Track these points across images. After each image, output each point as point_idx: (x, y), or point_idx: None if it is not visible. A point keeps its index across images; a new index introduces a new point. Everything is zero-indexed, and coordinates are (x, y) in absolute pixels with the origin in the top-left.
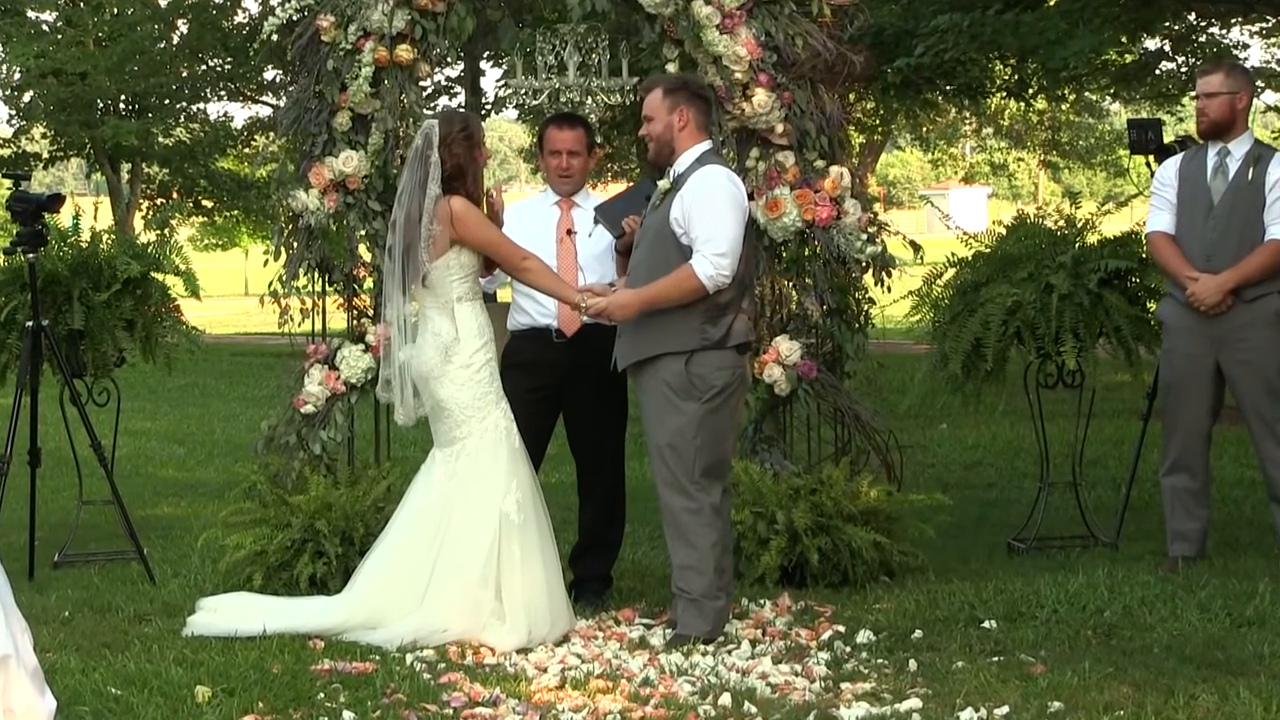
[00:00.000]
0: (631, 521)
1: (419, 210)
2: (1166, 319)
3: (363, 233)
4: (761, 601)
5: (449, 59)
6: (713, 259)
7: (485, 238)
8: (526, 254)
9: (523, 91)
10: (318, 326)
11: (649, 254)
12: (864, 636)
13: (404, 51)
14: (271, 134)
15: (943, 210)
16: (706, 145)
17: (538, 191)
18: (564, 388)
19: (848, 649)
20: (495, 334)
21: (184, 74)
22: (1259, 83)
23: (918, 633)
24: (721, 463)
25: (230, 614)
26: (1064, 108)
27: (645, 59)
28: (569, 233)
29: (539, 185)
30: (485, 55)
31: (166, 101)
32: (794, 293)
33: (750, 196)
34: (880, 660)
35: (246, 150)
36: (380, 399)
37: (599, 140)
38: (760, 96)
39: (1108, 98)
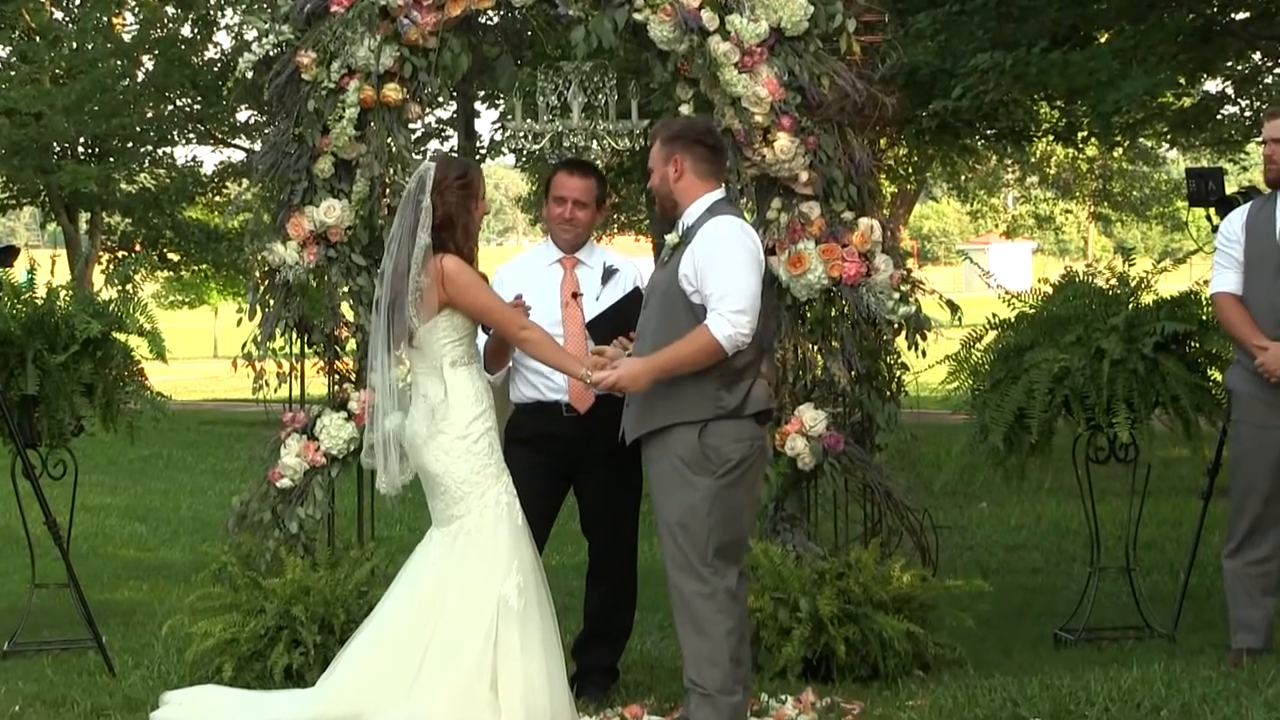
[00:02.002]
0: (641, 608)
1: (407, 260)
2: (1235, 388)
3: (345, 289)
4: (783, 697)
5: (441, 99)
6: (730, 317)
7: (479, 303)
8: (525, 323)
9: (522, 135)
10: (296, 393)
11: (657, 315)
12: None
13: (392, 91)
14: (245, 180)
15: (982, 267)
16: (716, 194)
17: (536, 244)
18: (574, 464)
19: None
20: (496, 404)
21: (149, 114)
22: None
23: None
24: (738, 543)
25: (197, 709)
26: (1116, 155)
27: (657, 100)
28: (574, 296)
29: (538, 237)
30: (481, 95)
31: (130, 144)
32: (819, 357)
33: (771, 251)
34: None
35: (217, 198)
36: (364, 466)
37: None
38: (782, 141)
39: (1164, 144)
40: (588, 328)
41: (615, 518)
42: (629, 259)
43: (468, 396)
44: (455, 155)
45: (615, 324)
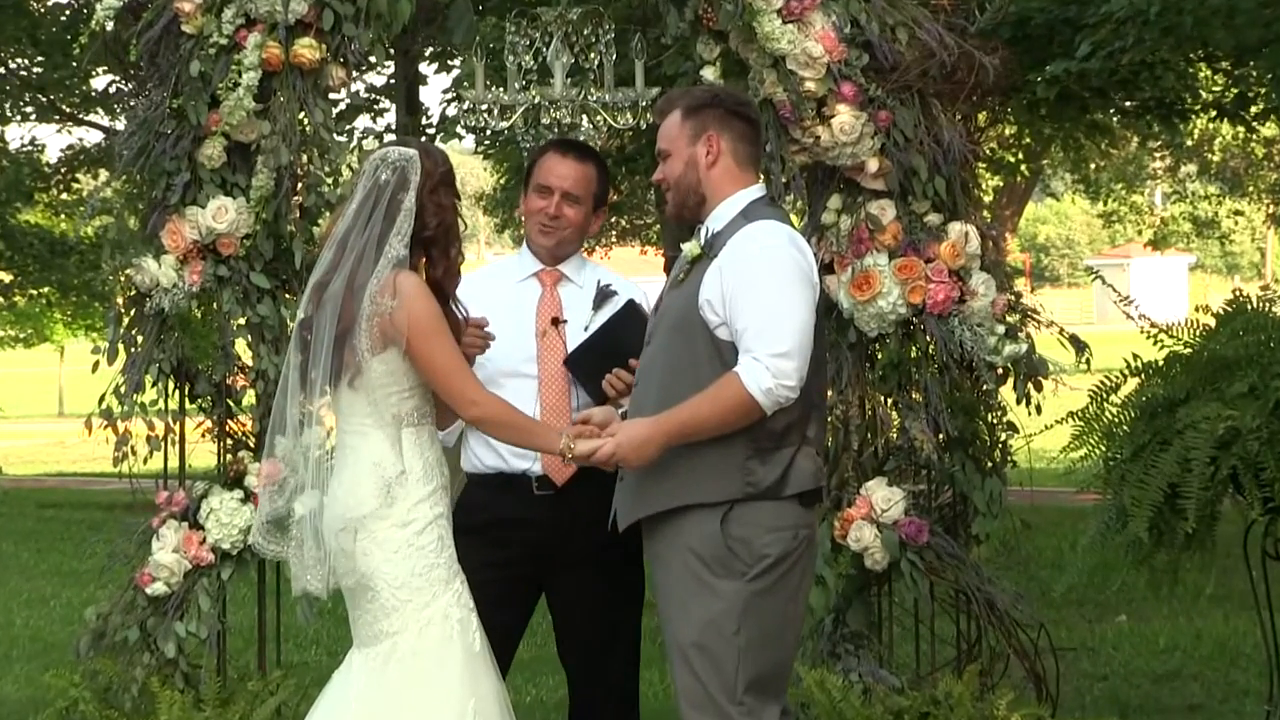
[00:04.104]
0: None
1: (367, 277)
2: None
3: (242, 321)
4: None
5: (374, 60)
6: (769, 362)
7: (427, 352)
8: (478, 394)
9: (484, 109)
10: (173, 464)
11: (667, 355)
12: None
13: (306, 49)
14: (103, 171)
15: (1119, 290)
16: (755, 191)
17: (503, 256)
18: (548, 562)
19: None
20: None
21: None
22: None
23: None
24: (779, 672)
25: None
26: None
27: (670, 62)
28: (555, 322)
29: (506, 248)
30: (428, 55)
31: None
32: (894, 414)
33: (828, 268)
34: None
35: (64, 195)
36: (264, 555)
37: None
38: (844, 117)
39: None
40: (568, 364)
41: (606, 638)
42: (633, 281)
43: (416, 470)
44: (418, 139)
45: (605, 358)
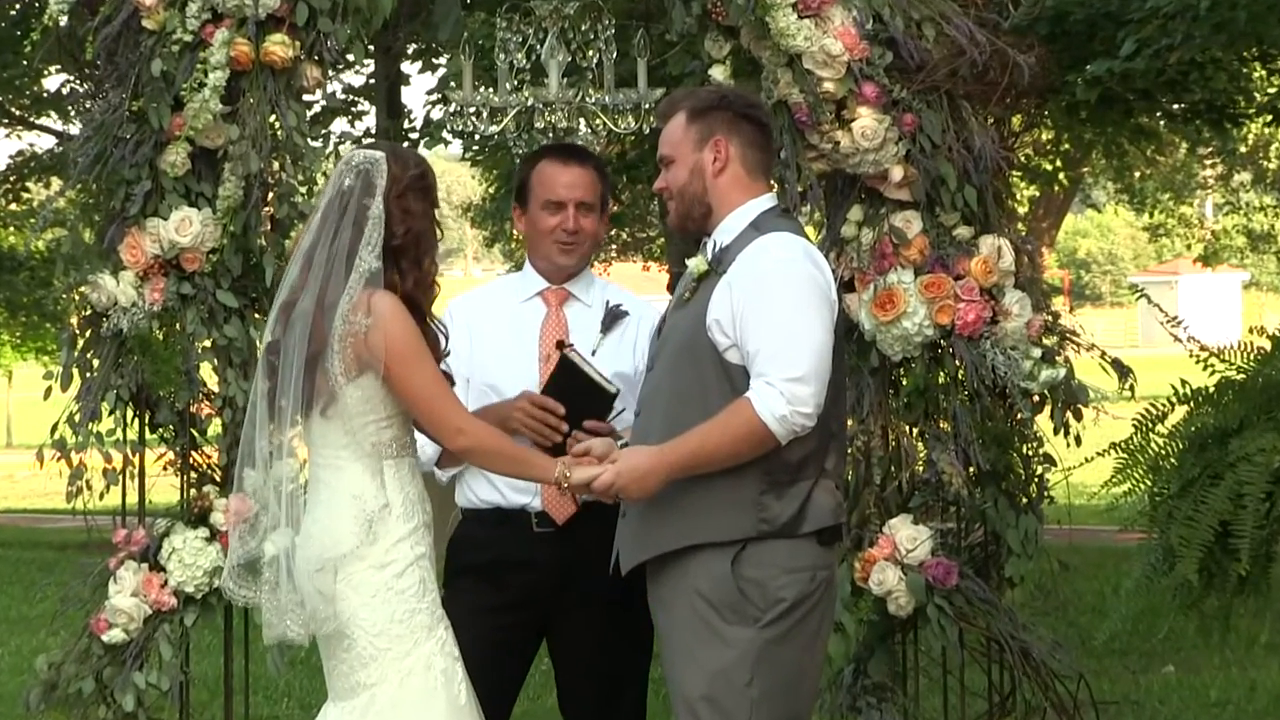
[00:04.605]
0: None
1: (340, 294)
2: None
3: (207, 343)
4: None
5: (353, 58)
6: (784, 387)
7: (406, 377)
8: (465, 422)
9: (473, 111)
10: (132, 499)
11: (673, 380)
12: None
13: (278, 46)
14: (57, 180)
15: (1166, 310)
16: (767, 201)
17: (494, 274)
18: (549, 607)
19: None
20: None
21: None
22: None
23: None
24: None
25: None
26: None
27: (675, 61)
28: (561, 346)
29: (495, 264)
30: (411, 52)
31: None
32: (920, 445)
33: (848, 286)
34: None
35: (14, 206)
36: (236, 601)
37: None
38: (865, 121)
39: None
40: (549, 389)
41: (610, 690)
42: (643, 299)
43: (396, 506)
44: (389, 141)
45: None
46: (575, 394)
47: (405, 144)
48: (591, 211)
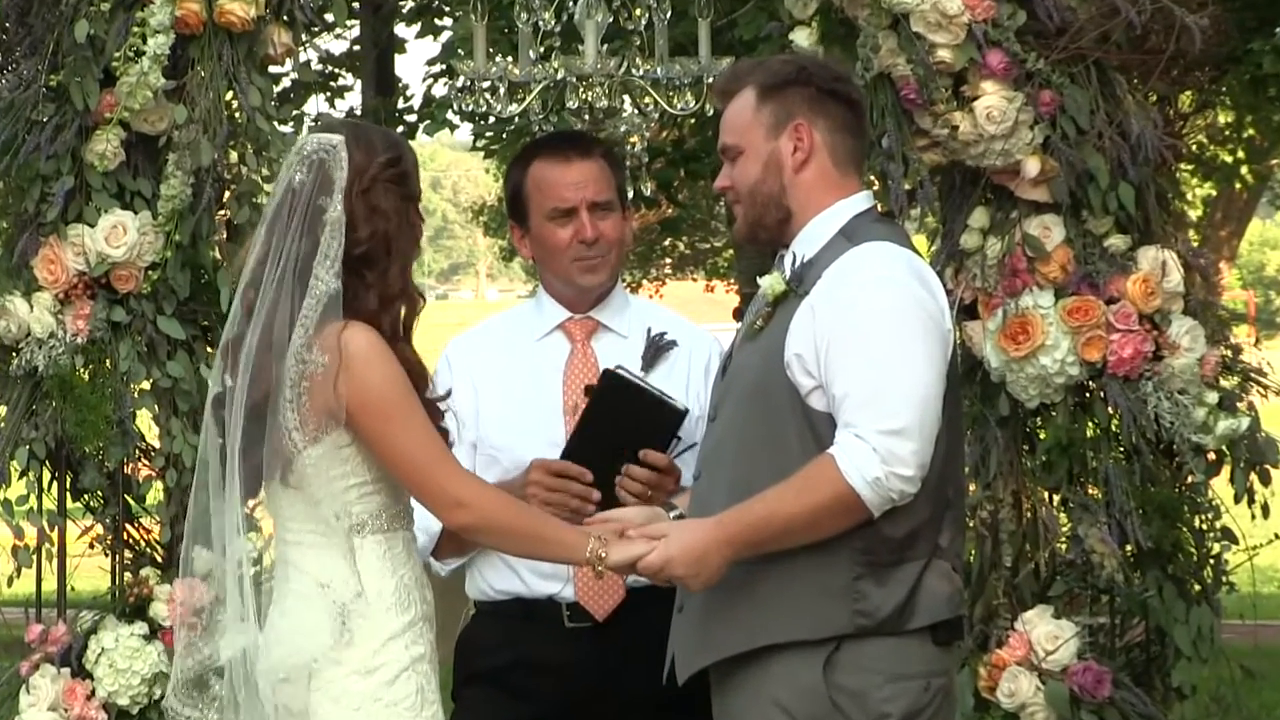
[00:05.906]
0: None
1: (289, 323)
2: None
3: (146, 385)
4: None
5: (332, 20)
6: (878, 442)
7: (389, 437)
8: (466, 493)
9: (485, 86)
10: (50, 586)
11: (740, 433)
12: None
13: (237, 4)
14: None
15: None
16: (861, 201)
17: (511, 297)
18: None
19: None
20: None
21: None
22: None
23: None
24: None
25: None
26: None
27: (747, 23)
28: (589, 392)
29: (515, 283)
30: (406, 11)
31: None
32: (1063, 516)
33: (968, 311)
34: None
35: None
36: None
37: (646, 190)
38: (991, 99)
39: None
40: (576, 447)
41: None
42: (700, 328)
43: (383, 595)
44: (365, 123)
45: (606, 456)
46: (625, 425)
47: (399, 128)
48: (610, 211)
